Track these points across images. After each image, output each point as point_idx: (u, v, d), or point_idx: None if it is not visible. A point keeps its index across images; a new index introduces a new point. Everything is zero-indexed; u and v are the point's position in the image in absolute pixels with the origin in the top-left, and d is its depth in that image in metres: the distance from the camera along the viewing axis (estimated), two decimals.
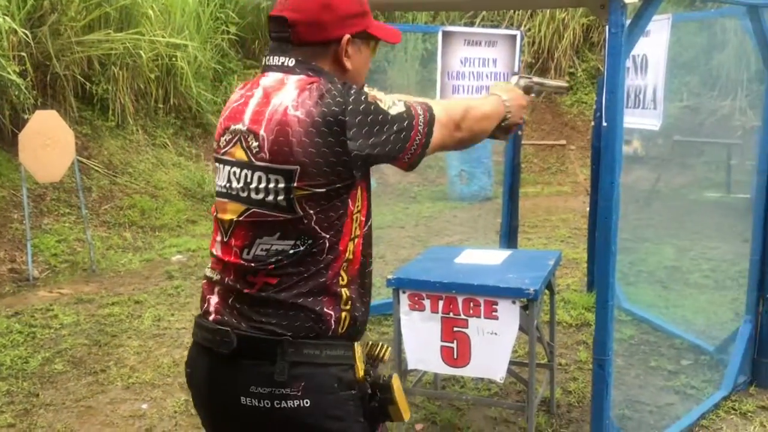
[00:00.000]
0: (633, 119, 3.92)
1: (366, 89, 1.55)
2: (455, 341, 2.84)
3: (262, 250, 1.51)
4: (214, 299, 1.59)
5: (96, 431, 3.40)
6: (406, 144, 1.53)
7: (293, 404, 1.47)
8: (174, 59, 8.82)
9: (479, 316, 2.81)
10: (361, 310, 1.60)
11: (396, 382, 1.61)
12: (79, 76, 7.73)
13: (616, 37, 2.41)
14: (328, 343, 1.52)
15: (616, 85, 2.45)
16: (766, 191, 3.45)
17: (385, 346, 1.68)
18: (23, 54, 6.95)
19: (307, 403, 1.48)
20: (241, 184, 1.52)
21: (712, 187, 8.25)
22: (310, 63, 1.55)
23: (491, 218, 7.32)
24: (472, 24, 10.88)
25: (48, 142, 5.61)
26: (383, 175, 9.25)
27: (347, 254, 1.55)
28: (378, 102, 1.51)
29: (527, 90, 1.97)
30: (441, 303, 2.85)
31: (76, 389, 3.81)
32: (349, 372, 1.54)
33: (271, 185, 1.48)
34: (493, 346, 2.80)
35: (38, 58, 7.35)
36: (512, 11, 11.53)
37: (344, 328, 1.55)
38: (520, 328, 2.85)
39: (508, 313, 2.78)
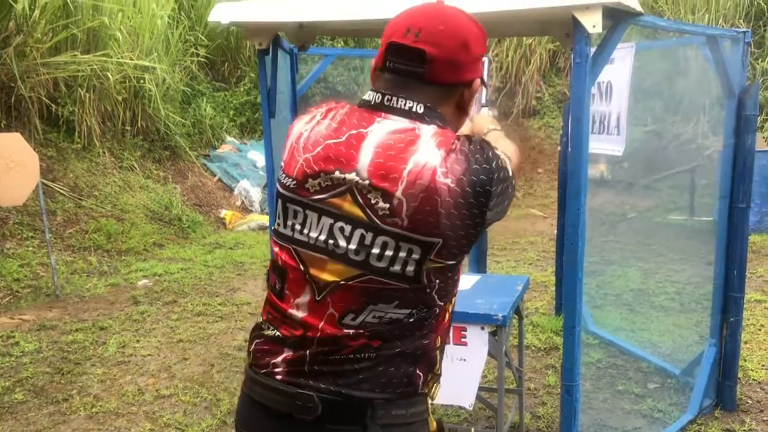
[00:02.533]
0: (597, 144, 3.98)
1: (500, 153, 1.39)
2: None
3: (374, 317, 1.35)
4: (279, 358, 1.41)
5: None
6: (509, 202, 1.41)
7: None
8: (142, 81, 8.76)
9: (448, 343, 2.80)
10: (441, 366, 1.51)
11: None
12: (44, 98, 7.64)
13: (581, 66, 2.41)
14: (412, 400, 1.42)
15: (581, 114, 2.46)
16: (728, 216, 3.51)
17: (436, 386, 1.58)
18: None
19: None
20: (354, 246, 1.32)
21: (677, 210, 8.39)
22: (436, 110, 1.37)
23: None
24: None
25: (11, 165, 5.52)
26: None
27: (446, 316, 1.45)
28: (507, 165, 1.38)
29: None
30: None
31: (37, 419, 3.71)
32: (425, 426, 1.46)
33: (402, 254, 1.30)
34: (462, 372, 2.80)
35: (3, 80, 7.25)
36: None
37: (427, 389, 1.47)
38: (489, 354, 2.86)
39: (477, 339, 2.79)
